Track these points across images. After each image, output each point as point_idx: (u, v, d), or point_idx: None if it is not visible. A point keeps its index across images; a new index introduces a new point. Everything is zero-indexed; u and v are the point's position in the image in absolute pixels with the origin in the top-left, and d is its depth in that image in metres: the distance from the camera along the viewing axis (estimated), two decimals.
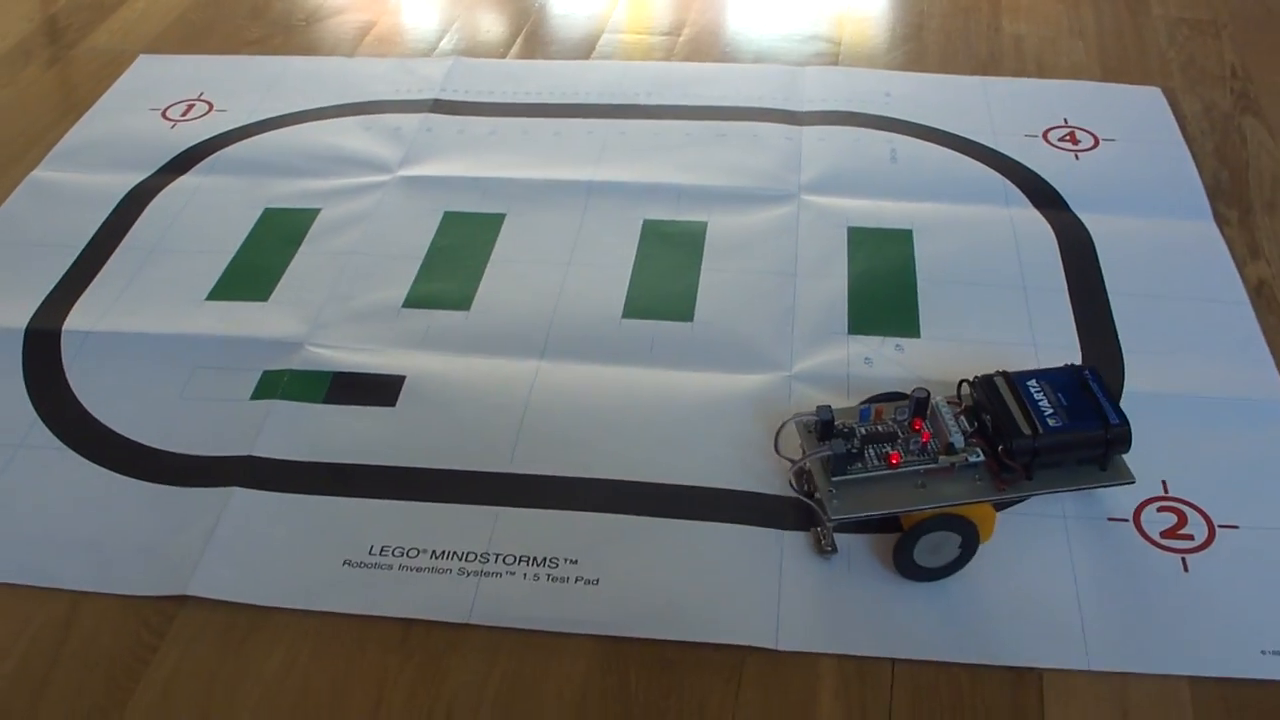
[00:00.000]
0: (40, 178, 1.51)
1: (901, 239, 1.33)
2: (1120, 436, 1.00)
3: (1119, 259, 1.30)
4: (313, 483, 1.10)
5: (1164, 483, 1.08)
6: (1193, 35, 1.70)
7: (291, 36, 1.78)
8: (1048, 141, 1.47)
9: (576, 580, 1.01)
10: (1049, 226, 1.34)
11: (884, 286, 1.27)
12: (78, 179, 1.50)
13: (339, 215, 1.40)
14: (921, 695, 0.94)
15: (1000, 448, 1.01)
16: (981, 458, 1.01)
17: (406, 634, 0.99)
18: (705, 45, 1.71)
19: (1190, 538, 1.03)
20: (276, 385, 1.19)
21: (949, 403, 1.05)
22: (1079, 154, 1.45)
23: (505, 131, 1.53)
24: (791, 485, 1.06)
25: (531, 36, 1.75)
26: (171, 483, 1.11)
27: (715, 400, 1.15)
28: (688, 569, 1.02)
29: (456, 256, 1.33)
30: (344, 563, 1.03)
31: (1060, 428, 1.00)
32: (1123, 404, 1.10)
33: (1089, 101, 1.55)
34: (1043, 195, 1.38)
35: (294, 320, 1.26)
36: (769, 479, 1.08)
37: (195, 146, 1.54)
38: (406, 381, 1.18)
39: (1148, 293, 1.26)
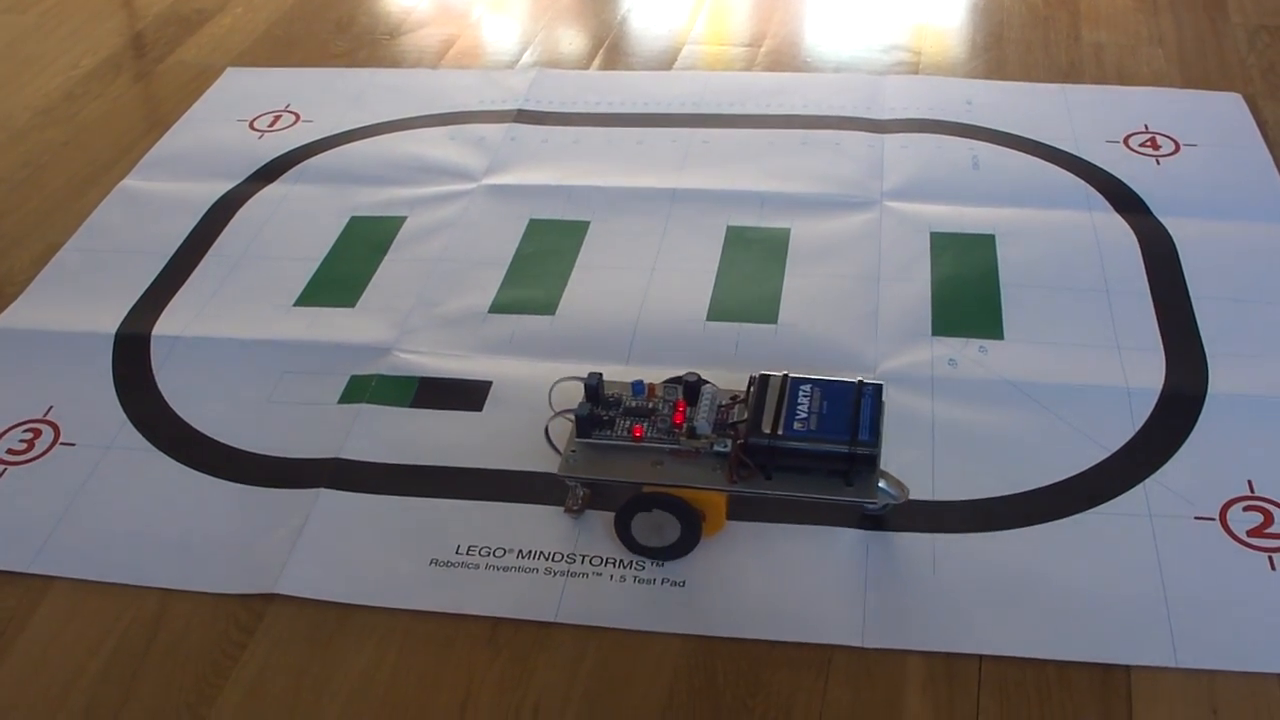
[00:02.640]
0: (130, 186, 1.52)
1: (984, 244, 1.32)
2: (865, 456, 0.99)
3: (1202, 263, 1.28)
4: (400, 484, 1.10)
5: (1250, 482, 1.06)
6: (1273, 41, 1.68)
7: (376, 50, 1.79)
8: (1129, 147, 1.46)
9: (663, 582, 1.01)
10: (1131, 231, 1.33)
11: (967, 290, 1.26)
12: (167, 188, 1.51)
13: (425, 223, 1.41)
14: (1009, 692, 0.93)
15: (739, 443, 1.00)
16: (728, 449, 1.01)
17: (494, 632, 0.99)
18: (785, 56, 1.70)
19: (1277, 536, 1.02)
20: (364, 389, 1.19)
21: (733, 397, 1.05)
22: (1160, 159, 1.44)
23: (589, 141, 1.53)
24: (547, 438, 1.06)
25: (613, 49, 1.75)
26: (260, 484, 1.11)
27: None
28: (774, 570, 1.01)
29: (542, 263, 1.34)
30: (431, 562, 1.03)
31: (801, 434, 0.99)
32: (1206, 406, 1.10)
33: (1169, 108, 1.53)
34: (1125, 200, 1.37)
35: (382, 326, 1.27)
36: None
37: (282, 156, 1.55)
38: (493, 386, 1.19)
39: (1231, 296, 1.24)
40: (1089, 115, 1.52)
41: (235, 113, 1.65)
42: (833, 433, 1.00)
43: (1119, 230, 1.33)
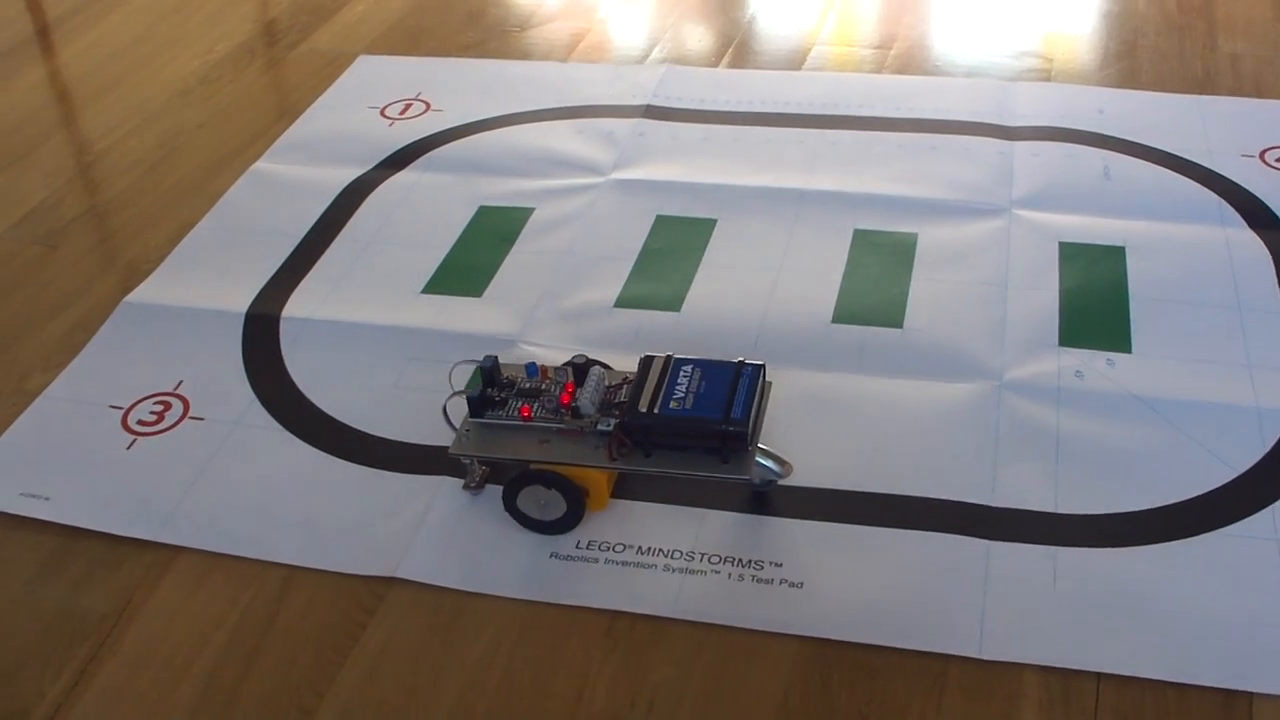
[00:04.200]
0: (262, 169, 1.54)
1: (1114, 255, 1.30)
2: (737, 434, 1.00)
3: None
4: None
5: None
6: None
7: (506, 42, 1.80)
8: (1265, 162, 1.44)
9: (780, 583, 1.01)
10: (1265, 248, 1.31)
11: (1096, 301, 1.25)
12: (298, 171, 1.53)
13: (552, 215, 1.41)
14: (1127, 712, 0.92)
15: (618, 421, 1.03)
16: (610, 428, 1.02)
17: (611, 626, 0.99)
18: (915, 60, 1.69)
19: None
20: None
21: (625, 379, 1.06)
22: None
23: (717, 138, 1.53)
24: (445, 417, 1.08)
25: (742, 48, 1.75)
26: (384, 468, 1.12)
27: (924, 408, 1.14)
28: (892, 576, 1.01)
29: (668, 259, 1.34)
30: (551, 555, 1.04)
31: (676, 412, 1.01)
32: None
33: None
34: (1259, 216, 1.35)
35: (507, 317, 1.27)
36: (976, 488, 1.07)
37: (412, 144, 1.56)
38: None
39: None
40: (1224, 128, 1.50)
41: (367, 100, 1.67)
42: (707, 410, 1.01)
43: (1252, 247, 1.31)
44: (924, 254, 1.32)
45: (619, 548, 1.04)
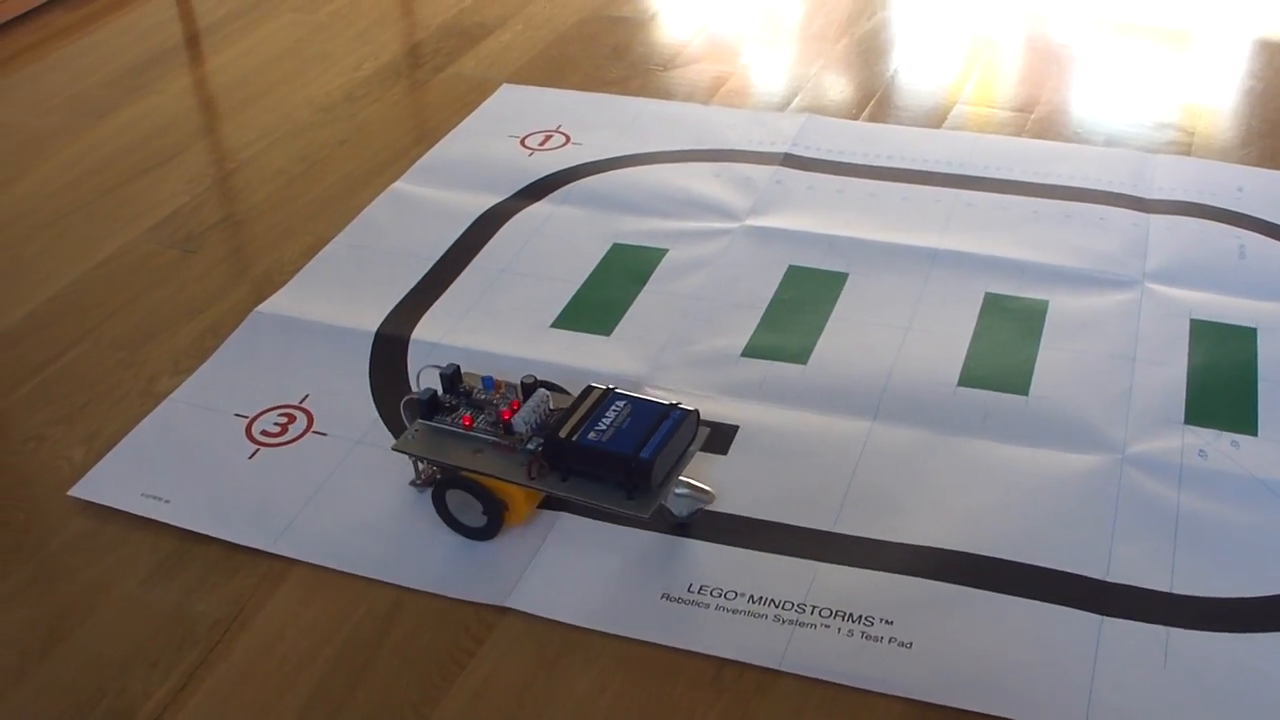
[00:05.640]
0: (401, 190, 1.55)
1: (1245, 336, 1.28)
2: (641, 471, 1.02)
3: None
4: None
5: None
6: None
7: (649, 80, 1.81)
8: None
9: (890, 641, 1.00)
10: None
11: (1224, 381, 1.23)
12: (436, 194, 1.54)
13: (685, 258, 1.41)
14: None
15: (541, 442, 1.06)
16: (536, 448, 1.06)
17: (718, 673, 0.99)
18: (1056, 125, 1.68)
19: None
20: None
21: (576, 403, 1.08)
22: None
23: (853, 191, 1.53)
24: (402, 414, 1.12)
25: (883, 102, 1.75)
26: None
27: (1044, 476, 1.13)
28: (1002, 643, 1.00)
29: (798, 310, 1.33)
30: (663, 596, 1.04)
31: (592, 443, 1.03)
32: None
33: None
34: None
35: (635, 358, 1.27)
36: (1092, 562, 1.05)
37: (550, 176, 1.57)
38: (740, 430, 1.19)
39: None
40: None
41: (507, 128, 1.68)
42: (621, 445, 1.03)
43: None
44: (1054, 322, 1.31)
45: (731, 595, 1.04)
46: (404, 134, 1.68)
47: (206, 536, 1.10)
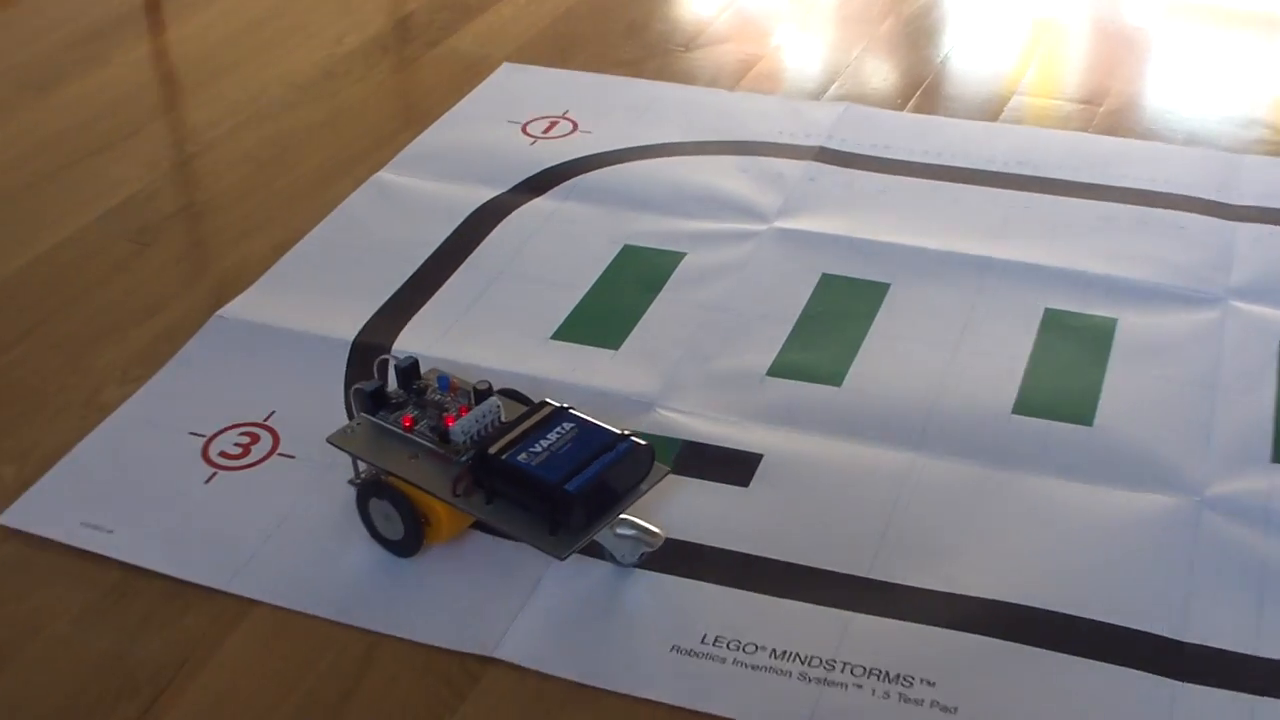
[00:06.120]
0: (386, 180, 1.55)
1: None
2: (563, 506, 1.01)
3: None
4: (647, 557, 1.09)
5: None
6: None
7: (669, 62, 1.80)
8: None
9: (931, 704, 0.98)
10: None
11: None
12: (425, 186, 1.54)
13: (705, 263, 1.41)
14: None
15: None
16: (468, 462, 1.06)
17: None
18: (1128, 119, 1.67)
19: None
20: None
21: (522, 418, 1.08)
22: None
23: (897, 191, 1.52)
24: (347, 406, 1.15)
25: (932, 91, 1.74)
26: (493, 533, 1.11)
27: (1110, 519, 1.12)
28: (1060, 710, 0.98)
29: (832, 325, 1.33)
30: (672, 648, 1.02)
31: (521, 464, 1.03)
32: None
33: None
34: None
35: (646, 376, 1.27)
36: (1164, 618, 1.04)
37: (555, 167, 1.57)
38: (764, 460, 1.18)
39: None
40: None
41: (507, 113, 1.68)
42: (550, 472, 1.02)
43: None
44: (1123, 342, 1.30)
45: (750, 648, 1.02)
46: (390, 117, 1.68)
47: (152, 572, 1.09)
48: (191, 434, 1.21)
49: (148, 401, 1.25)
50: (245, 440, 1.21)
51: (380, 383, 1.11)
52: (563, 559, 1.02)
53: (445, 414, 1.09)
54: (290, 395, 1.25)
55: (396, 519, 1.07)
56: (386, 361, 1.16)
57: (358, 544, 1.11)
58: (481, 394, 1.10)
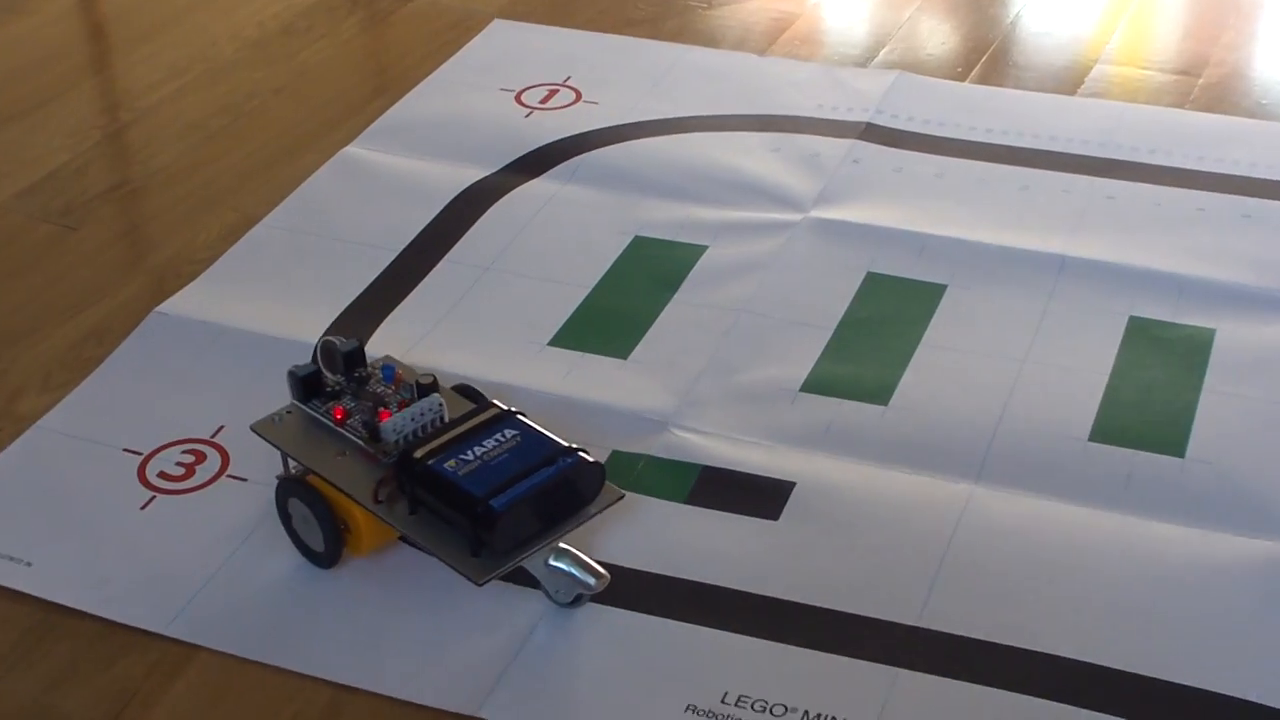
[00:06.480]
0: (355, 156, 1.56)
1: None
2: (484, 522, 1.02)
3: None
4: (659, 602, 1.10)
5: None
6: None
7: (688, 21, 1.81)
8: None
9: None
10: None
11: None
12: (402, 164, 1.55)
13: (730, 258, 1.42)
14: None
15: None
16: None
17: None
18: (1233, 93, 1.68)
19: None
20: (628, 472, 1.19)
21: (461, 419, 1.09)
22: None
23: (956, 176, 1.53)
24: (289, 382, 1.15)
25: (999, 58, 1.75)
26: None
27: (1206, 566, 1.12)
28: None
29: (878, 332, 1.33)
30: (688, 708, 1.03)
31: (446, 472, 1.04)
32: None
33: None
34: None
35: (659, 389, 1.28)
36: (1275, 687, 1.03)
37: (555, 144, 1.57)
38: (796, 489, 1.18)
39: None
40: None
41: (499, 79, 1.69)
42: (475, 484, 1.03)
43: None
44: (1221, 358, 1.31)
45: (779, 709, 1.03)
46: (360, 82, 1.69)
47: (78, 612, 1.09)
48: (126, 451, 1.22)
49: (73, 412, 1.26)
50: (189, 459, 1.21)
51: (315, 367, 1.13)
52: (479, 585, 1.03)
53: (383, 408, 1.10)
54: (242, 408, 1.23)
55: (314, 524, 1.09)
56: (331, 344, 1.16)
57: (321, 581, 1.11)
58: (424, 388, 1.11)
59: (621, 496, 1.09)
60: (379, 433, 1.09)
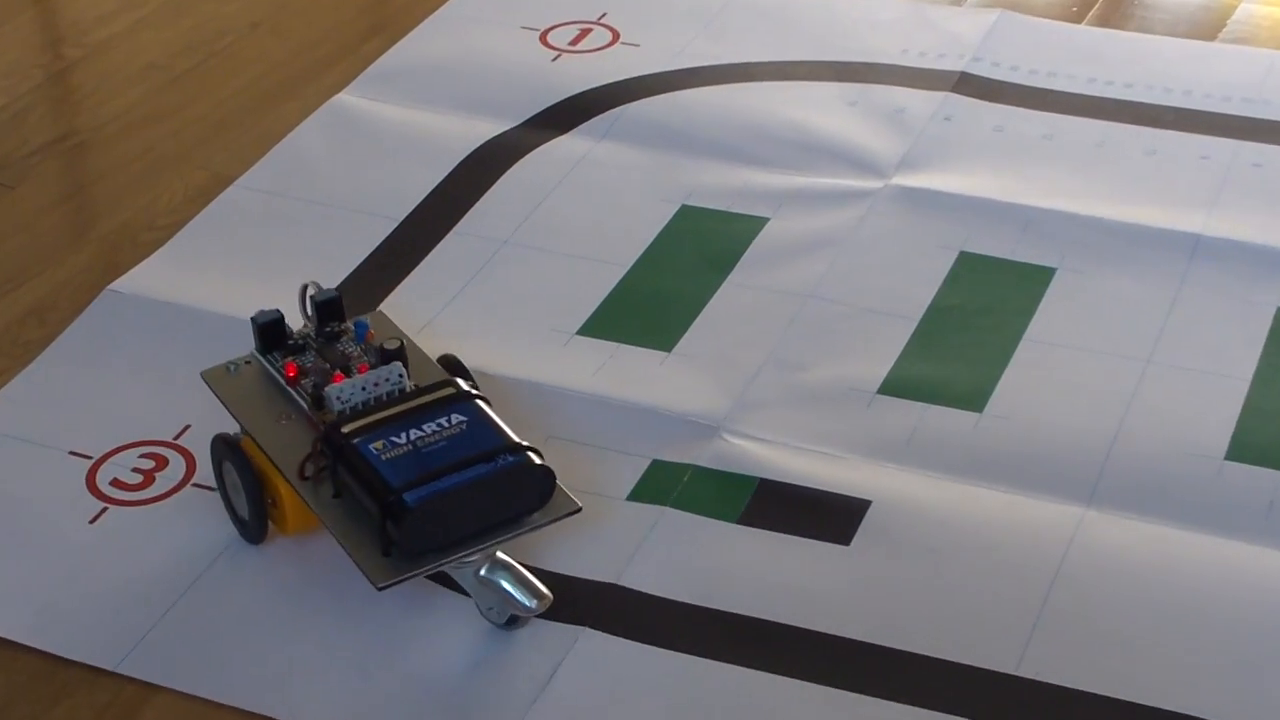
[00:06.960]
0: (349, 104, 1.58)
1: None
2: (394, 516, 1.04)
3: None
4: (701, 639, 1.10)
5: None
6: None
7: None
8: None
9: None
10: None
11: None
12: (404, 116, 1.57)
13: (795, 233, 1.43)
14: None
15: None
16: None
17: None
18: None
19: None
20: (671, 485, 1.20)
21: (412, 394, 1.13)
22: None
23: (1067, 137, 1.54)
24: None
25: None
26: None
27: None
28: None
29: (972, 324, 1.34)
30: None
31: (370, 454, 1.07)
32: None
33: None
34: None
35: (710, 388, 1.28)
36: None
37: (587, 93, 1.59)
38: (871, 509, 1.19)
39: None
40: None
41: (520, 15, 1.71)
42: (397, 472, 1.05)
43: None
44: None
45: None
46: (353, 16, 1.69)
47: (16, 644, 1.10)
48: (73, 454, 1.24)
49: (10, 407, 1.28)
50: (147, 465, 1.23)
51: (279, 313, 1.16)
52: (379, 589, 1.04)
53: (341, 370, 1.13)
54: (210, 405, 1.23)
55: (241, 494, 1.12)
56: (305, 290, 1.18)
57: (300, 609, 1.12)
58: (389, 354, 1.13)
59: (578, 509, 1.10)
60: (323, 400, 1.11)
